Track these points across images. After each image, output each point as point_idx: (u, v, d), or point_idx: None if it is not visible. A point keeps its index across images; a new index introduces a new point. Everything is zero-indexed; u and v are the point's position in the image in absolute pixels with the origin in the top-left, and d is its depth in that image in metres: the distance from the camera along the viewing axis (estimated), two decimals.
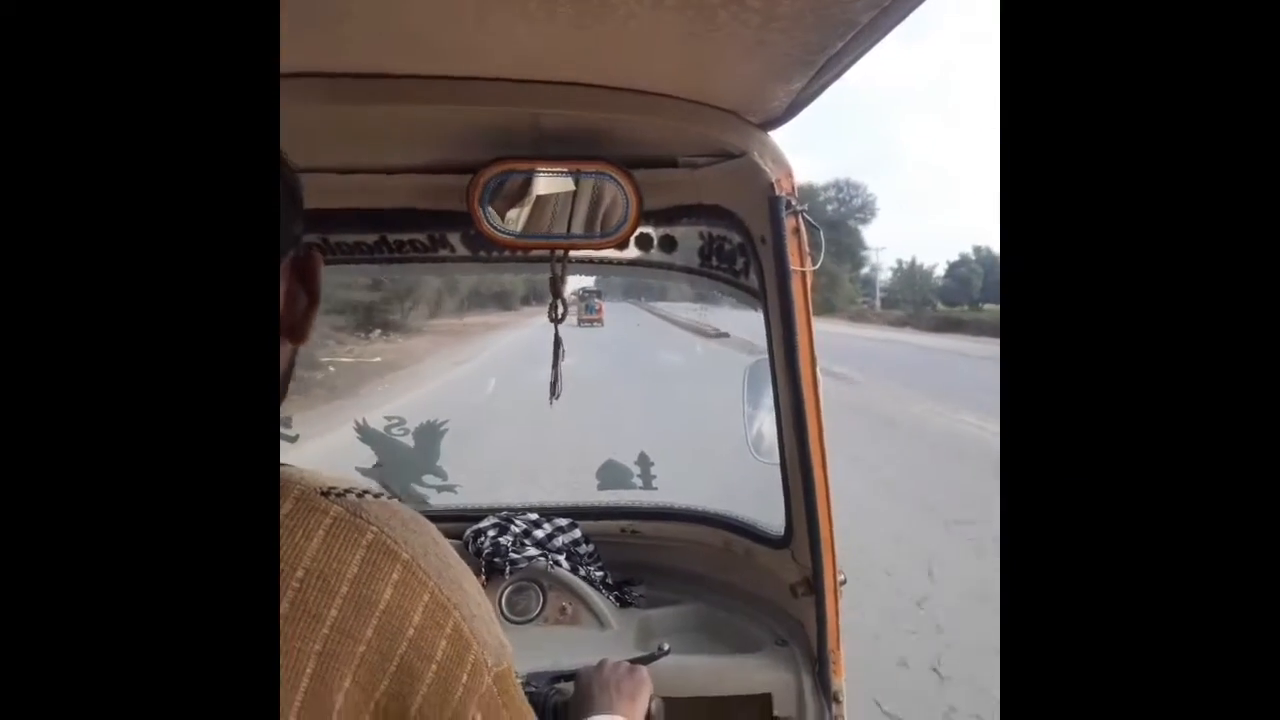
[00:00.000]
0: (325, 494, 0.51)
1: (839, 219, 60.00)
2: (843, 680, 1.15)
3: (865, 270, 63.54)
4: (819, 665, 1.16)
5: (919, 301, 56.86)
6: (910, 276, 62.54)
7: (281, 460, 0.51)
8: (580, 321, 29.80)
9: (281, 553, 0.48)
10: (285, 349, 0.57)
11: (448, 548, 0.55)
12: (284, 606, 0.47)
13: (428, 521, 0.55)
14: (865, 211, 64.98)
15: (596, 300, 31.50)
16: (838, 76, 0.85)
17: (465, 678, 0.52)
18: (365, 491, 0.54)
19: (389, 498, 0.55)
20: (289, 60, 0.84)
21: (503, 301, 40.73)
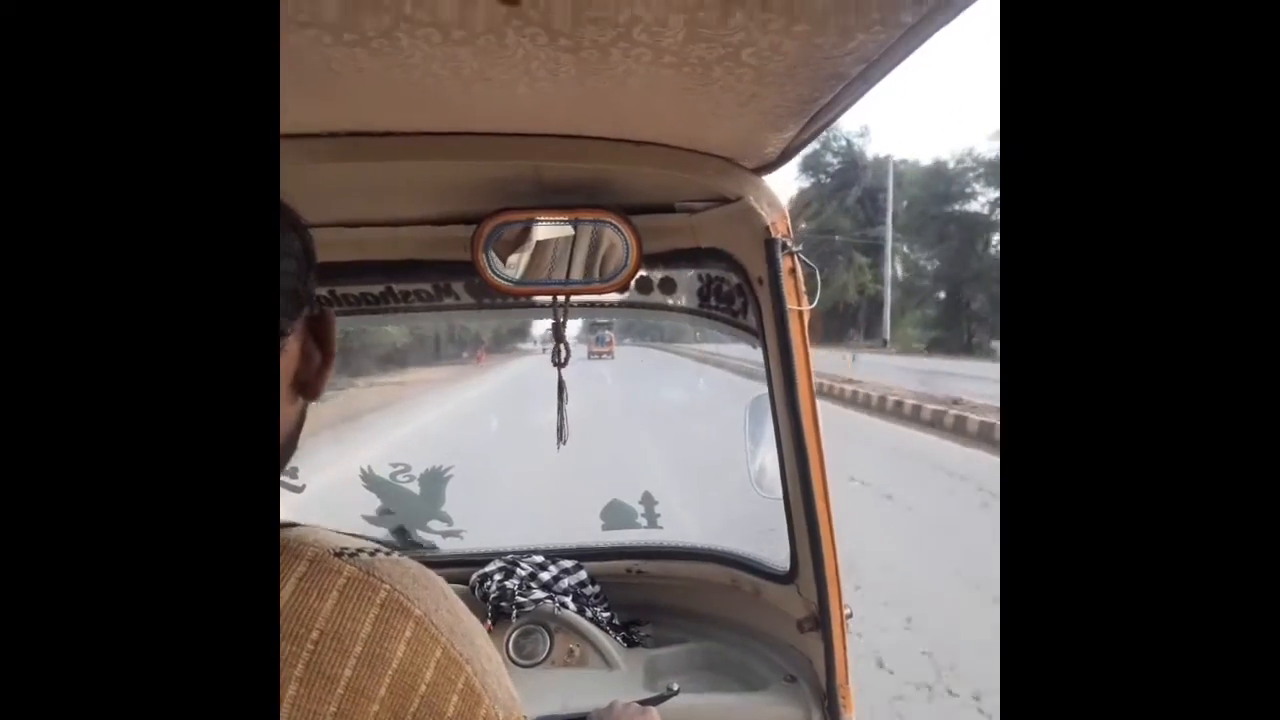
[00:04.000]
0: (339, 554, 0.52)
1: None
2: (853, 715, 1.15)
3: None
4: (829, 700, 1.16)
5: None
6: None
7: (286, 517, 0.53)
8: (590, 354, 29.54)
9: (297, 614, 0.49)
10: (298, 405, 0.59)
11: (458, 602, 0.56)
12: (299, 669, 0.47)
13: (437, 577, 0.56)
14: None
15: (607, 332, 31.28)
16: (830, 124, 0.88)
17: None
18: (377, 550, 0.55)
19: (400, 554, 0.56)
20: (298, 121, 0.87)
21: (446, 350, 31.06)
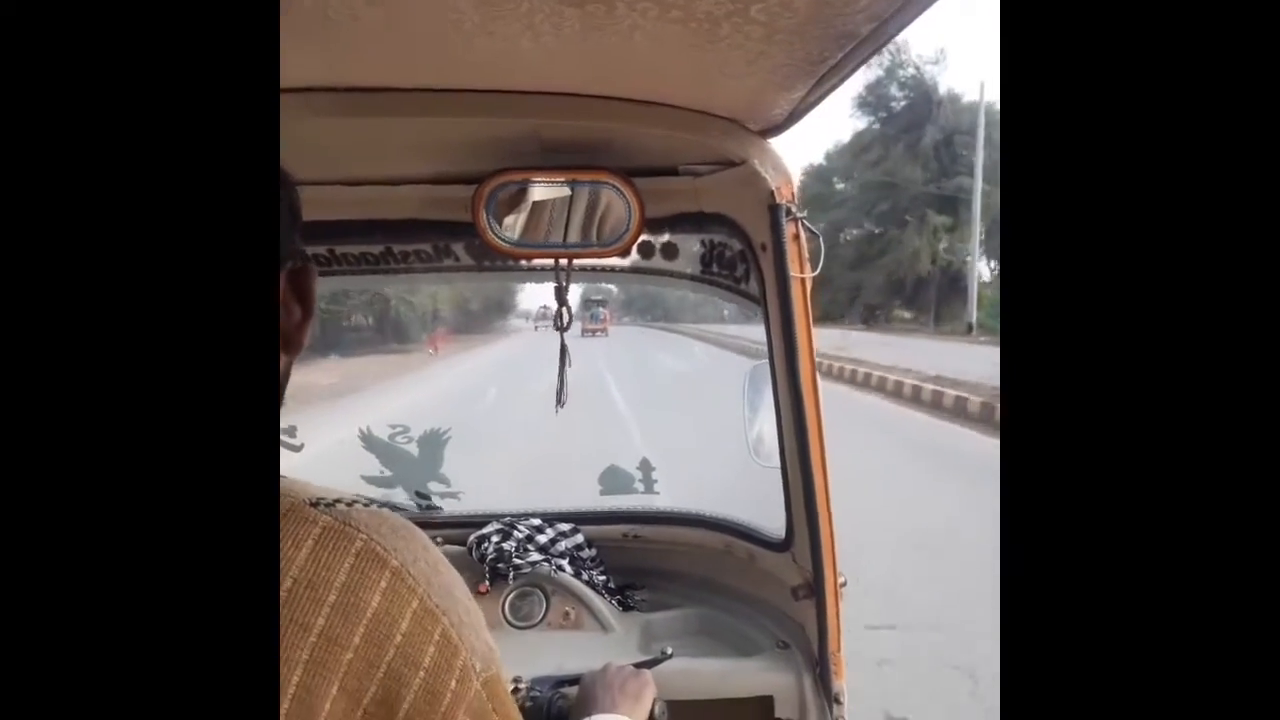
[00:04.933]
0: (314, 504, 0.52)
1: None
2: (844, 682, 1.16)
3: None
4: (820, 667, 1.17)
5: None
6: None
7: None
8: (584, 331, 29.18)
9: None
10: (280, 360, 0.58)
11: (438, 554, 0.56)
12: None
13: (417, 528, 0.56)
14: None
15: (601, 309, 31.03)
16: (838, 85, 0.86)
17: (453, 684, 0.53)
18: (355, 500, 0.54)
19: (379, 506, 0.55)
20: (296, 75, 0.86)
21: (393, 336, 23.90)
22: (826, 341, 17.68)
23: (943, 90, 32.08)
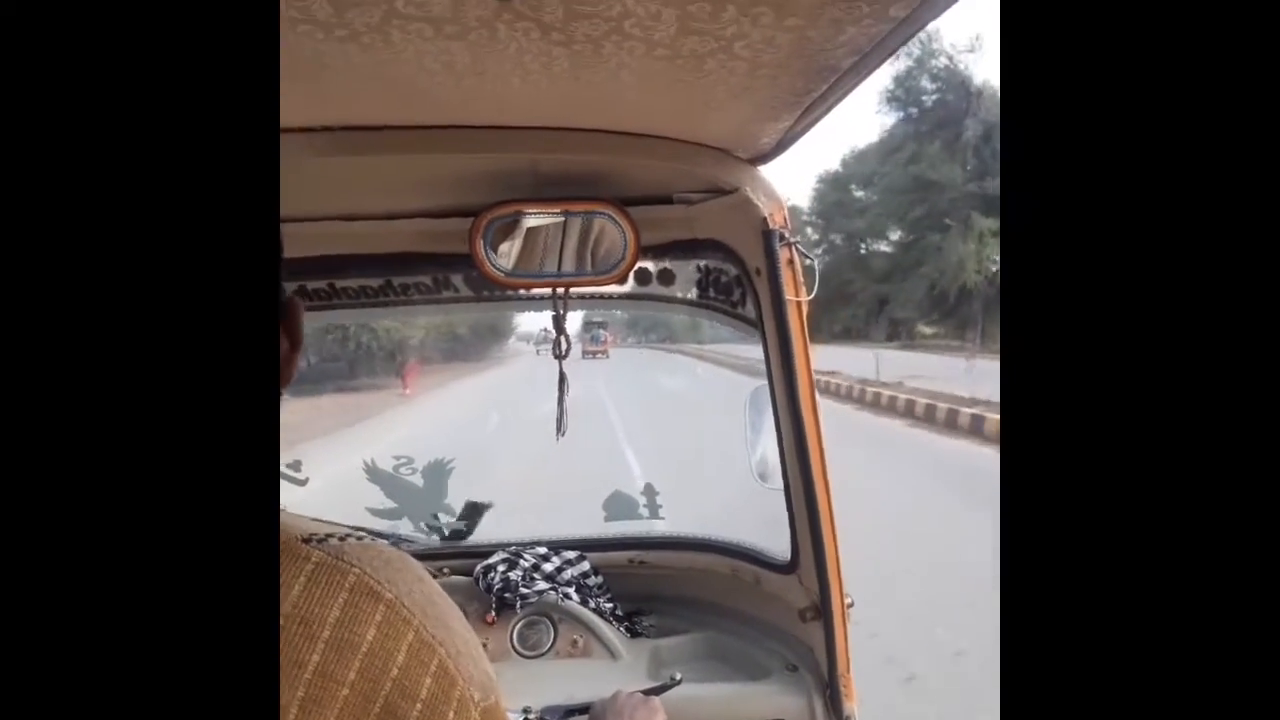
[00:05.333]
0: (306, 540, 0.52)
1: None
2: (854, 704, 1.16)
3: None
4: (830, 689, 1.17)
5: None
6: None
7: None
8: (584, 354, 29.10)
9: None
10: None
11: (433, 585, 0.56)
12: None
13: (412, 560, 0.56)
14: None
15: (602, 331, 30.86)
16: (824, 115, 0.88)
17: (451, 715, 0.53)
18: (348, 535, 0.54)
19: (373, 539, 0.55)
20: (297, 115, 0.87)
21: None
22: (857, 364, 15.96)
23: (979, 80, 27.73)
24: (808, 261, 1.09)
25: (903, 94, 29.40)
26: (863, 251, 35.67)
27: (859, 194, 35.69)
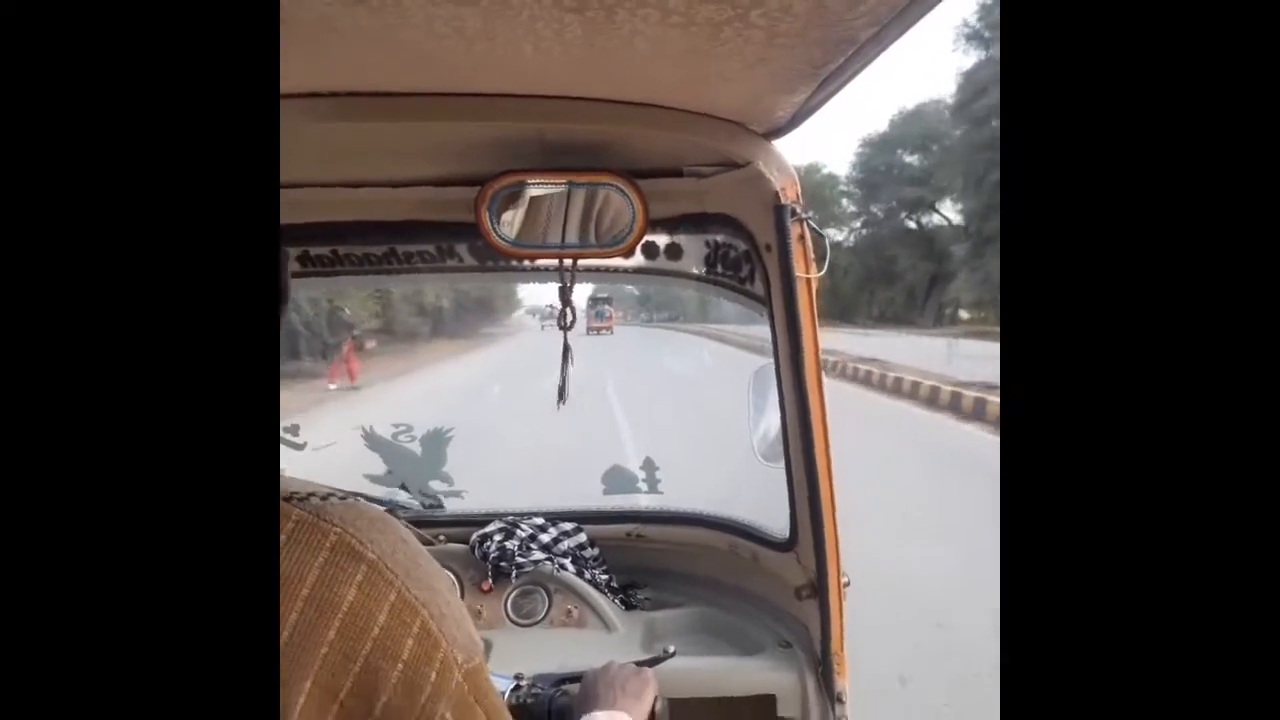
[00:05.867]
0: (287, 499, 0.52)
1: None
2: (846, 681, 1.16)
3: None
4: (823, 666, 1.18)
5: None
6: None
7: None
8: (589, 329, 29.04)
9: None
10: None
11: (418, 547, 0.56)
12: None
13: (395, 520, 0.56)
14: None
15: (607, 307, 30.76)
16: (840, 89, 0.86)
17: (434, 676, 0.53)
18: (330, 494, 0.54)
19: (356, 498, 0.55)
20: (301, 80, 0.86)
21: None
22: (914, 355, 13.79)
23: None
24: (819, 237, 1.08)
25: (987, 30, 23.25)
26: (911, 225, 32.66)
27: (910, 159, 32.98)
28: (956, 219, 29.99)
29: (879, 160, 33.87)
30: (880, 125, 35.50)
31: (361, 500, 0.55)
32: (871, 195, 34.57)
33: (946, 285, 28.75)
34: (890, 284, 31.81)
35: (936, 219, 32.41)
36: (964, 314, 30.56)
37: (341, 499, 0.54)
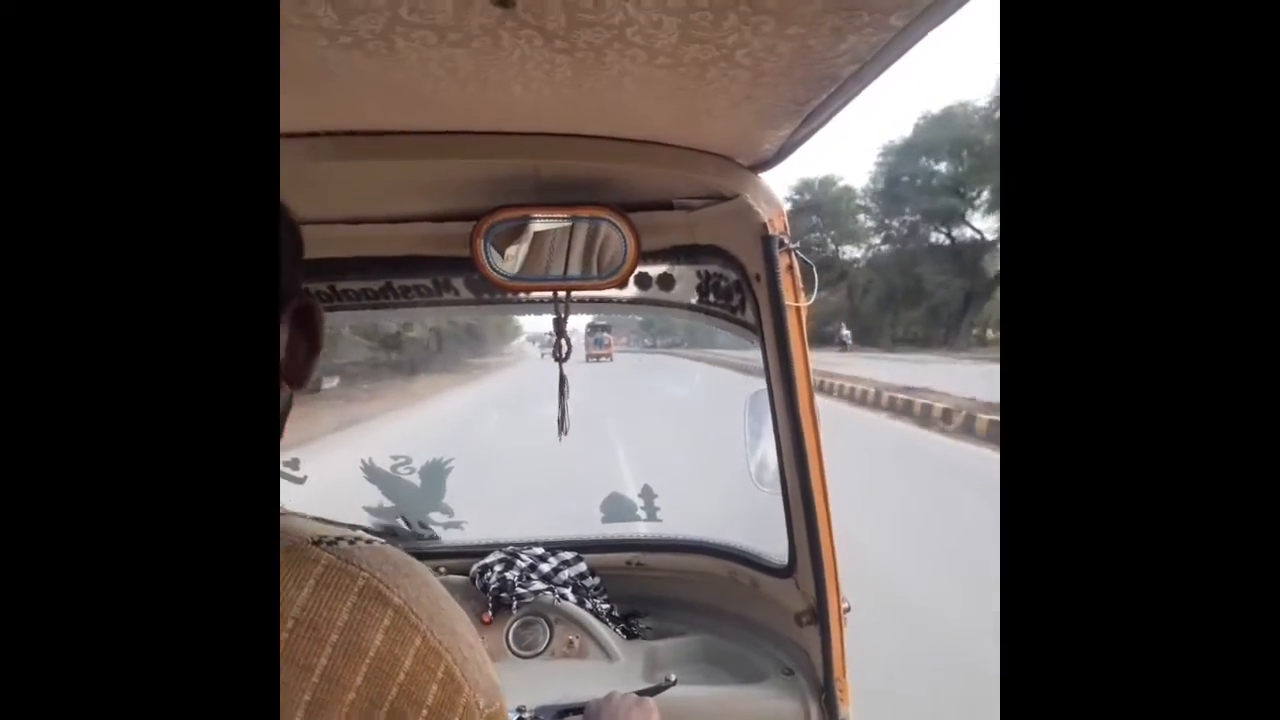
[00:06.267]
0: (316, 543, 0.52)
1: None
2: (850, 708, 1.16)
3: None
4: (825, 694, 1.18)
5: None
6: None
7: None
8: (589, 357, 29.03)
9: None
10: (285, 394, 0.59)
11: (440, 590, 0.56)
12: None
13: (419, 564, 0.56)
14: None
15: (605, 335, 30.77)
16: (825, 123, 0.88)
17: None
18: (357, 538, 0.54)
19: (382, 542, 0.55)
20: (299, 120, 0.88)
21: None
22: (957, 383, 12.49)
23: None
24: (807, 267, 1.10)
25: None
26: (939, 238, 29.82)
27: (938, 166, 30.63)
28: (990, 233, 28.20)
29: (903, 169, 31.66)
30: (904, 131, 32.22)
31: (387, 544, 0.56)
32: (895, 207, 32.15)
33: (983, 304, 26.61)
34: (916, 303, 29.05)
35: (969, 232, 29.80)
36: (993, 334, 27.57)
37: (368, 543, 0.54)
